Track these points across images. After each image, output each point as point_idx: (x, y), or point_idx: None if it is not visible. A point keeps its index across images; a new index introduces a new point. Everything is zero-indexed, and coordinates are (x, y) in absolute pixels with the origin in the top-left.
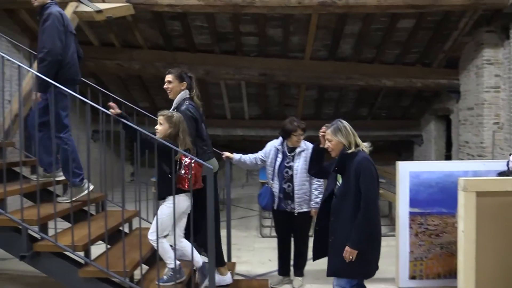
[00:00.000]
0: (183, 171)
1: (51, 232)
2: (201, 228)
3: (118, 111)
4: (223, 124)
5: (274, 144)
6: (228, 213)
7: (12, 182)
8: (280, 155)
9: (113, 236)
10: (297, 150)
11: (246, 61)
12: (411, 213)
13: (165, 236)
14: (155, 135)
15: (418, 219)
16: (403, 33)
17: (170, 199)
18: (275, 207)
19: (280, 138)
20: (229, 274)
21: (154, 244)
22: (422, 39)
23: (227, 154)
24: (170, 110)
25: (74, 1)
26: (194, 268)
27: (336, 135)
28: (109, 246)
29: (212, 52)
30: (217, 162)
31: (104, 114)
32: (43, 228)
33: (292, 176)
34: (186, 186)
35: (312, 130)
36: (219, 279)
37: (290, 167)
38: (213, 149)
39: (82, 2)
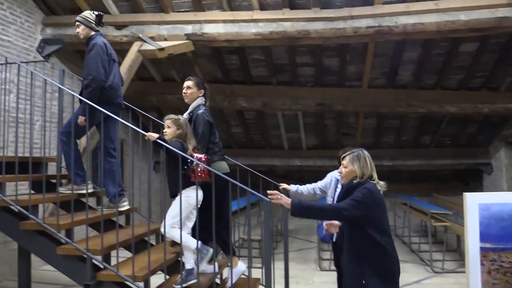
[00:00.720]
0: (194, 165)
1: (114, 260)
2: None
3: (156, 135)
4: (281, 155)
5: (334, 175)
6: (286, 245)
7: (78, 212)
8: (340, 186)
9: (172, 266)
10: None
11: (303, 91)
12: (482, 249)
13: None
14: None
15: (490, 255)
16: (466, 57)
17: (184, 192)
18: (334, 240)
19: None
20: (240, 262)
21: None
22: (487, 63)
23: (284, 185)
24: (186, 113)
25: (138, 40)
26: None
27: (353, 164)
28: (167, 277)
29: (269, 83)
30: (227, 165)
31: (161, 145)
32: (106, 258)
33: None
34: (202, 179)
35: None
36: (236, 271)
37: None
38: (268, 179)
39: (146, 41)
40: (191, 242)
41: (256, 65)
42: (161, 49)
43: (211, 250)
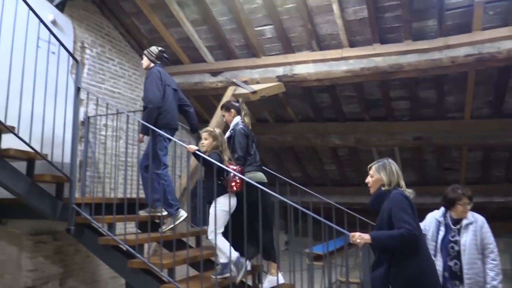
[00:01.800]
0: (229, 176)
1: None
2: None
3: (195, 147)
4: None
5: (435, 216)
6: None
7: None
8: (442, 228)
9: None
10: (464, 222)
11: (398, 126)
12: None
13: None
14: (201, 150)
15: None
16: None
17: (218, 200)
18: None
19: (442, 208)
20: (280, 275)
21: (213, 242)
22: None
23: None
24: (228, 132)
25: (233, 85)
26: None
27: (379, 172)
28: None
29: (362, 119)
30: (263, 176)
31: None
32: None
33: (459, 252)
34: (232, 188)
35: (480, 196)
36: (271, 279)
37: (456, 242)
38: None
39: (239, 86)
40: (231, 253)
41: (348, 101)
42: (254, 92)
43: (246, 264)
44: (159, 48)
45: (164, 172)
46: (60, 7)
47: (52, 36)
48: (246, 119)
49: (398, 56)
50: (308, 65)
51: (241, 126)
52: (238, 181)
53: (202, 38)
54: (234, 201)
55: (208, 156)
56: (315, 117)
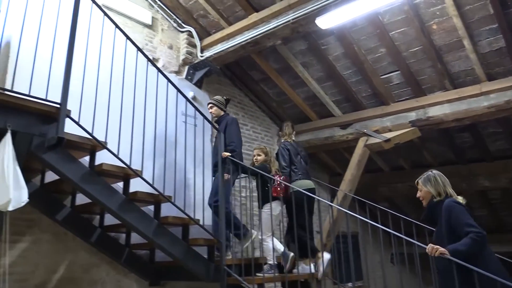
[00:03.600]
0: (276, 184)
1: None
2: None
3: (228, 154)
4: None
5: None
6: None
7: None
8: None
9: None
10: None
11: None
12: None
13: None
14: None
15: None
16: None
17: (266, 206)
18: None
19: None
20: (311, 266)
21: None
22: None
23: None
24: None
25: (364, 136)
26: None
27: (425, 185)
28: None
29: None
30: (309, 182)
31: (395, 236)
32: None
33: None
34: (277, 194)
35: None
36: (302, 267)
37: None
38: None
39: (371, 136)
40: (279, 247)
41: (494, 139)
42: (387, 140)
43: (291, 255)
44: (225, 97)
45: (228, 204)
46: (198, 84)
47: (196, 111)
48: (290, 139)
49: None
50: (443, 106)
51: (282, 144)
52: (280, 188)
53: (328, 94)
54: (279, 205)
55: (257, 167)
56: (457, 159)
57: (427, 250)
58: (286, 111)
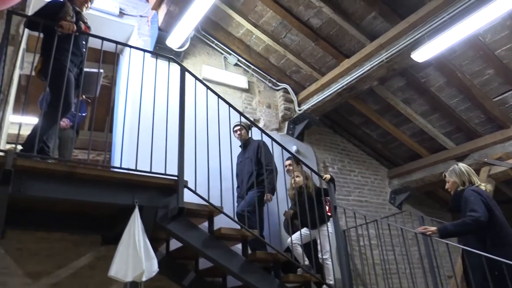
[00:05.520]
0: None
1: None
2: None
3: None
4: None
5: None
6: None
7: None
8: None
9: None
10: None
11: None
12: None
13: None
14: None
15: None
16: None
17: (324, 226)
18: None
19: None
20: None
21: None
22: None
23: None
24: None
25: (485, 165)
26: None
27: (451, 176)
28: None
29: None
30: None
31: None
32: None
33: None
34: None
35: None
36: None
37: None
38: None
39: (493, 164)
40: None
41: None
42: None
43: None
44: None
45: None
46: (300, 137)
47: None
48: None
49: None
50: None
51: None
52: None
53: (437, 126)
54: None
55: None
56: None
57: (418, 231)
58: (393, 151)
